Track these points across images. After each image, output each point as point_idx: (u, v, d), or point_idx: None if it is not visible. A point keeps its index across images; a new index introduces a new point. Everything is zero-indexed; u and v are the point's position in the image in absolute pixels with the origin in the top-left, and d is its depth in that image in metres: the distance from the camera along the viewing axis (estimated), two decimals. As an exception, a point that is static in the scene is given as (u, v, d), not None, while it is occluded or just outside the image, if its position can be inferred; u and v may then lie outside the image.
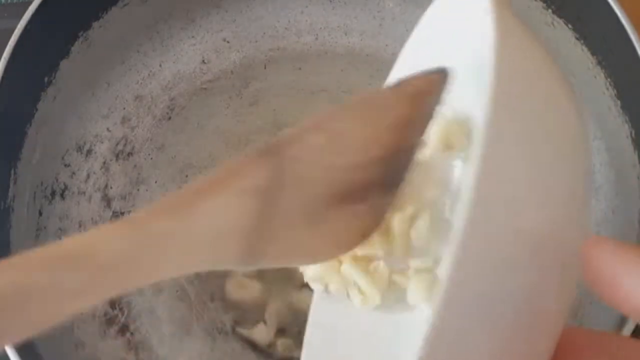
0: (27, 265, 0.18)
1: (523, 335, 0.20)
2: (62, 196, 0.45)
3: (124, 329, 0.43)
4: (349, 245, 0.26)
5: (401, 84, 0.26)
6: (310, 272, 0.29)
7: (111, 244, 0.20)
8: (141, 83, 0.48)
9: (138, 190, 0.46)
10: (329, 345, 0.30)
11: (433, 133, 0.28)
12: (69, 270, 0.19)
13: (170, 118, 0.48)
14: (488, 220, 0.19)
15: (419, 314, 0.28)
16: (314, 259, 0.26)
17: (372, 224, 0.26)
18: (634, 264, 0.20)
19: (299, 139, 0.24)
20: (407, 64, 0.30)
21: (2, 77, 0.40)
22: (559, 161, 0.21)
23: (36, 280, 0.18)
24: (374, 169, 0.25)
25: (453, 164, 0.29)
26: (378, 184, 0.25)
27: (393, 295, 0.29)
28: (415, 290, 0.28)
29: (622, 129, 0.41)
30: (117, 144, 0.47)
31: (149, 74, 0.48)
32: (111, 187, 0.46)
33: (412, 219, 0.28)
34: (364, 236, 0.26)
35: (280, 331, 0.45)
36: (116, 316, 0.43)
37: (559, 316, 0.21)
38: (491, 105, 0.19)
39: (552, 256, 0.20)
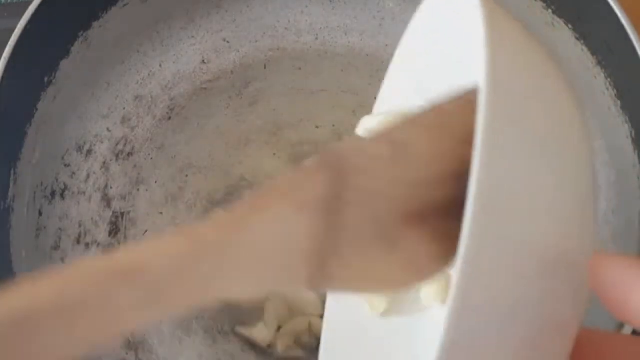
0: (78, 278, 0.17)
1: (536, 344, 0.20)
2: (62, 196, 0.45)
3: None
4: (430, 272, 0.23)
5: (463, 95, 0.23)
6: None
7: (165, 258, 0.18)
8: (141, 83, 0.48)
9: (138, 190, 0.46)
10: (345, 348, 0.30)
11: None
12: (123, 286, 0.17)
13: (170, 118, 0.48)
14: (491, 232, 0.18)
15: (434, 314, 0.29)
16: (389, 285, 0.24)
17: (454, 247, 0.23)
18: None
19: (360, 148, 0.22)
20: (404, 64, 0.30)
21: (2, 77, 0.40)
22: (561, 166, 0.20)
23: (89, 295, 0.17)
24: (452, 184, 0.22)
25: None
26: (460, 203, 0.22)
27: (407, 296, 0.29)
28: (428, 291, 0.28)
29: (622, 129, 0.41)
30: (117, 144, 0.47)
31: (149, 74, 0.48)
32: (111, 187, 0.46)
33: None
34: (445, 261, 0.23)
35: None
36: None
37: (573, 323, 0.21)
38: (486, 110, 0.18)
39: (562, 266, 0.20)
